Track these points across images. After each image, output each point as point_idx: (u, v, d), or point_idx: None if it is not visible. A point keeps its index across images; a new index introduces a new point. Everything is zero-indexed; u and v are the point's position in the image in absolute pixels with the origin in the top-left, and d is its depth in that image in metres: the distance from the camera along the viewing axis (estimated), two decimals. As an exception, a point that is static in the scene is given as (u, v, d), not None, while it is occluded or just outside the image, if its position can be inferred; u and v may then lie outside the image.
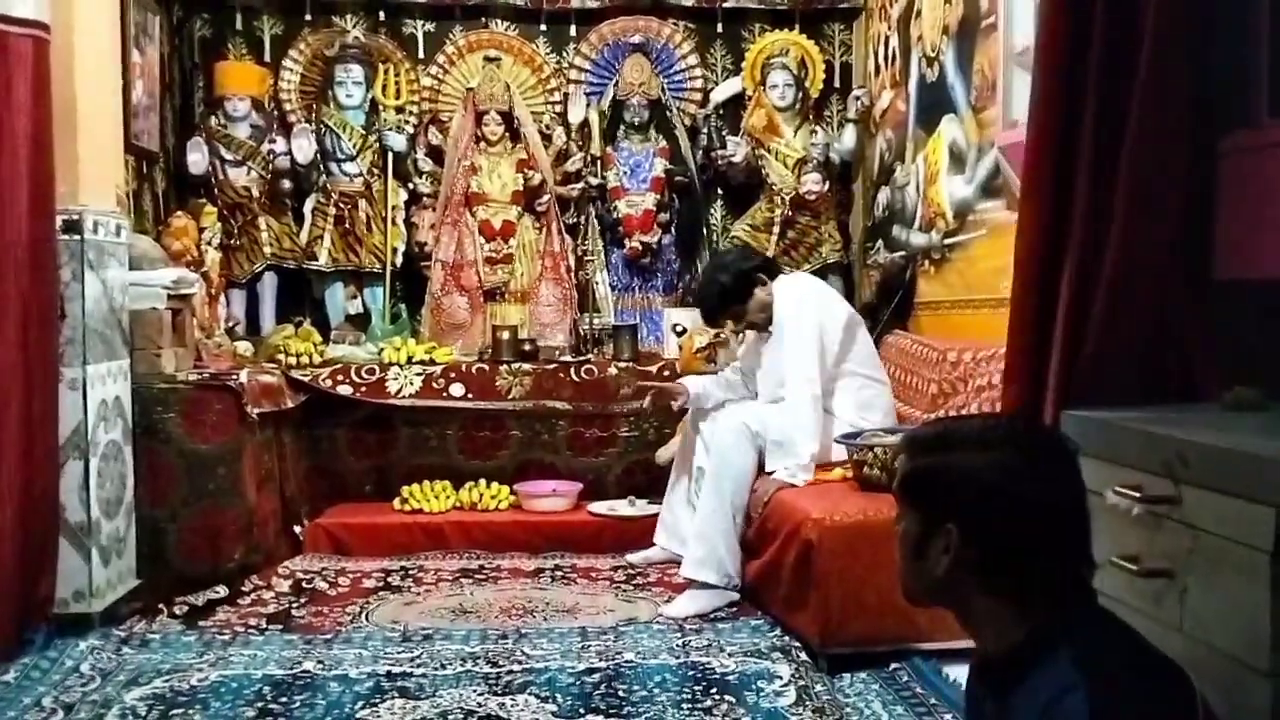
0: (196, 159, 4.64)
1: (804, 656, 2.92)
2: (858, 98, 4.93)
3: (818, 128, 5.04)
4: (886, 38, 4.72)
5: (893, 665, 2.81)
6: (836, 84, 5.23)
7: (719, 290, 3.64)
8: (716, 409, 3.71)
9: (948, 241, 3.95)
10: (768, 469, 3.42)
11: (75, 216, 3.23)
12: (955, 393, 3.36)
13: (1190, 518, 1.52)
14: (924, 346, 3.77)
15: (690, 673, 2.81)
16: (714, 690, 2.69)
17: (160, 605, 3.42)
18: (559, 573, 3.84)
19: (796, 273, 3.86)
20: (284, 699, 2.66)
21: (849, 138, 4.99)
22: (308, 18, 5.03)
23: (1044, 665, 1.28)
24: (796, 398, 3.44)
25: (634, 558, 3.94)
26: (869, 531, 2.83)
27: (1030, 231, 2.23)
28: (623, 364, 4.45)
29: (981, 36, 3.66)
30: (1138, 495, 1.61)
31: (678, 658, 2.93)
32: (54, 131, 3.14)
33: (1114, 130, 2.08)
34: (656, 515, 3.96)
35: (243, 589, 3.63)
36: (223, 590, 3.58)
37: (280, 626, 3.28)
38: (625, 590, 3.64)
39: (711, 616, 3.29)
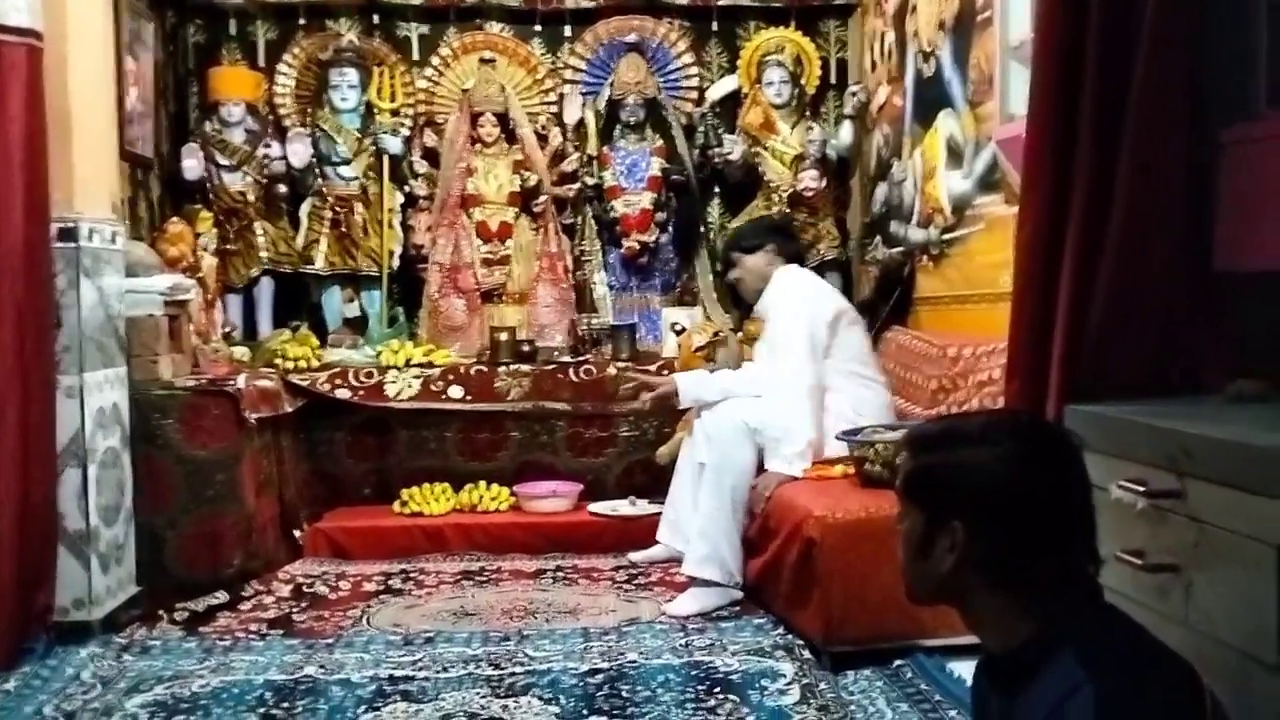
0: (192, 165, 4.62)
1: (807, 654, 2.92)
2: (854, 94, 4.92)
3: (814, 124, 5.03)
4: (882, 33, 4.71)
5: (896, 662, 2.81)
6: (833, 80, 5.22)
7: (736, 235, 3.96)
8: (718, 406, 3.67)
9: (946, 237, 3.94)
10: (767, 465, 3.41)
11: (71, 224, 3.22)
12: (956, 388, 3.35)
13: (1195, 511, 1.51)
14: (924, 342, 3.76)
15: (694, 672, 2.80)
16: (717, 690, 2.69)
17: (160, 612, 3.42)
18: (560, 573, 3.83)
19: (800, 269, 3.86)
20: (286, 704, 2.66)
21: (846, 134, 4.97)
22: (301, 22, 5.01)
23: (1050, 664, 1.27)
24: (788, 388, 3.46)
25: (636, 556, 3.93)
26: (871, 528, 2.82)
27: (1030, 226, 2.22)
28: (622, 364, 4.44)
29: (978, 31, 3.65)
30: (1142, 490, 1.60)
31: (681, 657, 2.92)
32: (49, 139, 3.13)
33: (1113, 123, 2.07)
34: (658, 515, 3.96)
35: (243, 594, 3.62)
36: (223, 596, 3.57)
37: (281, 631, 3.27)
38: (627, 590, 3.63)
39: (714, 615, 3.29)
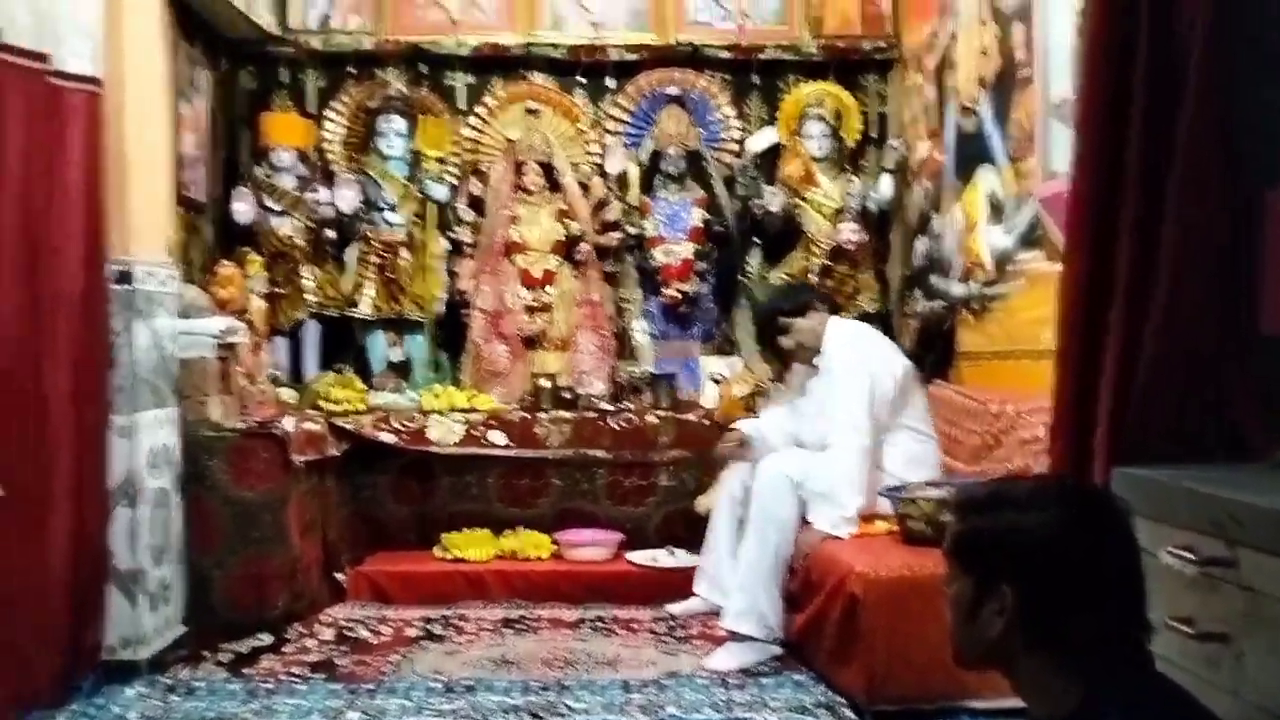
0: (242, 208, 4.71)
1: (849, 714, 2.90)
2: (894, 147, 4.96)
3: (854, 177, 5.07)
4: (922, 88, 4.75)
5: (939, 723, 2.79)
6: (873, 134, 5.26)
7: (774, 304, 3.78)
8: (760, 458, 3.69)
9: (987, 291, 3.95)
10: (810, 520, 3.40)
11: (126, 267, 3.30)
12: (999, 445, 3.34)
13: (1247, 580, 1.51)
14: (966, 398, 3.75)
15: (734, 728, 2.80)
16: (758, 745, 2.68)
17: (205, 652, 3.45)
18: (600, 624, 3.83)
19: (849, 320, 3.84)
20: (329, 749, 2.67)
21: (886, 187, 5.01)
22: (351, 70, 5.12)
23: None
24: (843, 447, 3.40)
25: (674, 608, 3.92)
26: (915, 586, 2.80)
27: (1074, 286, 2.23)
28: (661, 412, 4.46)
29: (1018, 88, 3.68)
30: (1192, 557, 1.60)
31: (721, 713, 2.91)
32: (106, 183, 3.21)
33: (1157, 184, 2.08)
34: (695, 566, 3.94)
35: (286, 636, 3.64)
36: (267, 638, 3.60)
37: (324, 675, 3.29)
38: (666, 642, 3.62)
39: (754, 671, 3.27)
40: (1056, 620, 1.33)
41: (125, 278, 3.30)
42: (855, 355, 3.53)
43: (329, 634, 3.71)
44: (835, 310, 3.88)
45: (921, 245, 4.73)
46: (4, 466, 2.42)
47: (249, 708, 2.98)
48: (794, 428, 3.77)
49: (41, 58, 2.95)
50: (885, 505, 3.33)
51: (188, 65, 4.39)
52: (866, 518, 3.39)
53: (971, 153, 4.11)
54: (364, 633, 3.72)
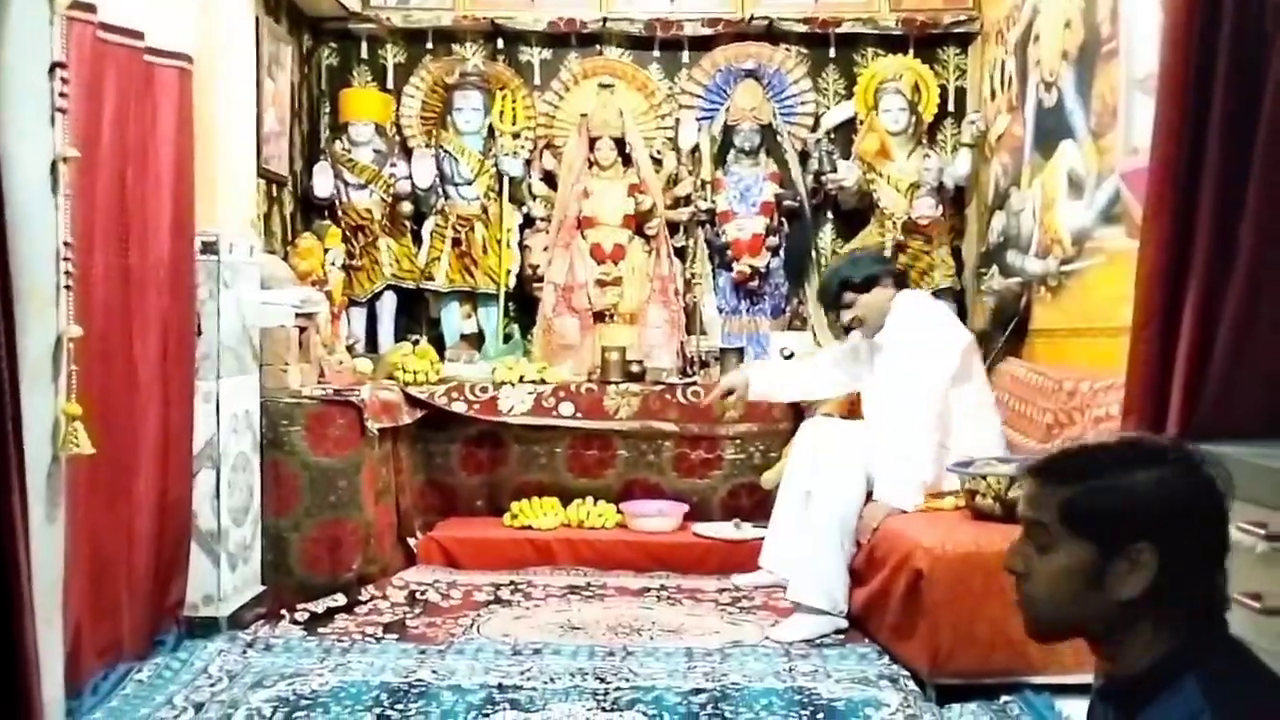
0: (322, 182, 4.82)
1: (912, 685, 2.91)
2: (972, 122, 4.89)
3: (931, 152, 5.00)
4: (1003, 62, 4.67)
5: (1004, 698, 2.78)
6: (950, 108, 5.18)
7: (841, 274, 3.71)
8: (826, 432, 3.69)
9: (1064, 268, 3.88)
10: (876, 495, 3.40)
11: (212, 238, 3.39)
12: (1071, 423, 3.30)
13: (1318, 556, 1.49)
14: (1039, 375, 3.71)
15: (796, 697, 2.82)
16: (820, 716, 2.71)
17: (282, 611, 3.57)
18: (665, 592, 3.88)
19: (920, 292, 3.82)
20: (400, 706, 2.76)
21: (963, 162, 4.93)
22: (429, 46, 5.19)
23: (1173, 689, 1.27)
24: (911, 421, 3.41)
25: (740, 580, 3.95)
26: (981, 562, 2.79)
27: (1152, 261, 2.20)
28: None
29: (1102, 62, 3.60)
30: (1263, 532, 1.58)
31: (784, 682, 2.94)
32: (194, 157, 3.29)
33: (1240, 158, 2.05)
34: (761, 540, 3.97)
35: (360, 598, 3.75)
36: (341, 599, 3.71)
37: (396, 636, 3.39)
38: (731, 612, 3.66)
39: (818, 642, 3.29)
40: (1184, 575, 1.31)
41: (211, 248, 3.39)
42: (920, 330, 3.53)
43: (400, 596, 3.81)
44: (904, 284, 3.83)
45: (998, 221, 4.66)
46: (96, 428, 2.51)
47: (324, 664, 3.08)
48: (831, 376, 3.89)
49: (138, 35, 3.03)
50: (953, 482, 3.32)
51: (272, 42, 4.48)
52: (934, 494, 3.38)
53: (1052, 127, 4.03)
54: (434, 596, 3.82)
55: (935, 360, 3.45)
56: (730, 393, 3.92)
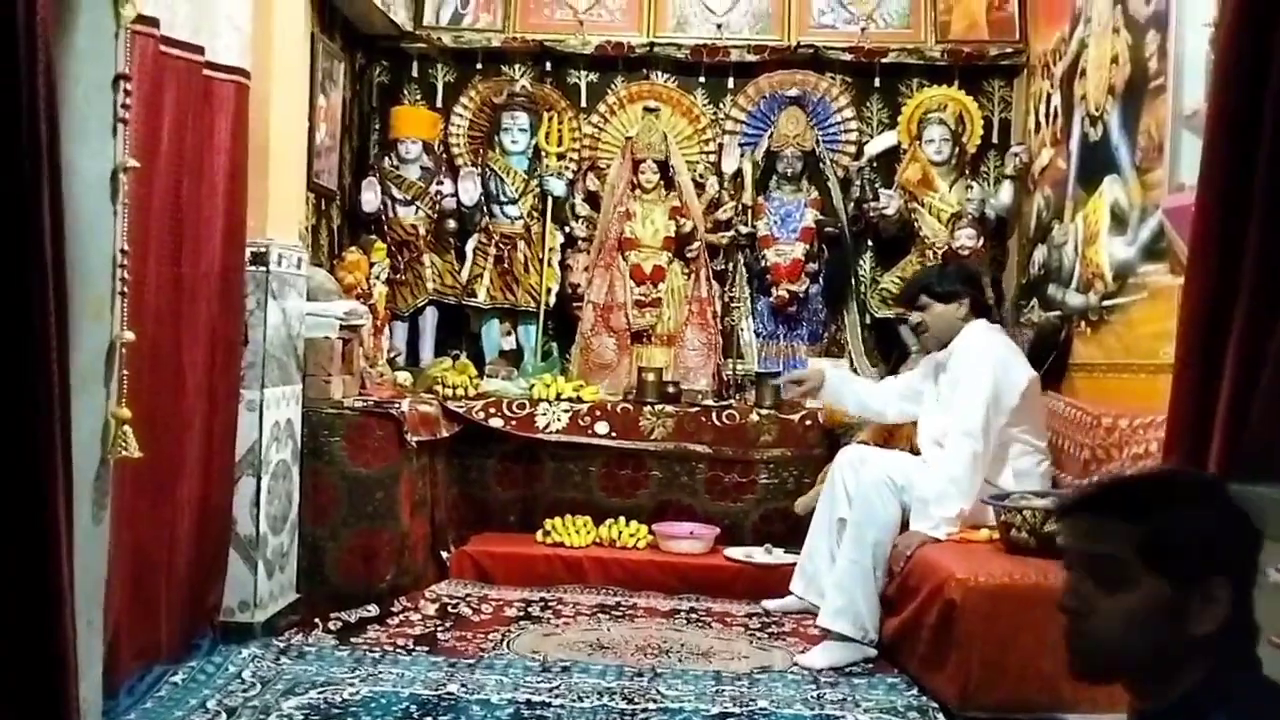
0: (369, 197, 4.89)
1: (941, 718, 2.89)
2: (1016, 154, 4.88)
3: (974, 183, 5.00)
4: (1048, 95, 4.67)
5: (1033, 734, 2.76)
6: (994, 140, 5.18)
7: (927, 279, 3.79)
8: (861, 459, 3.68)
9: (1106, 303, 3.86)
10: (912, 525, 3.40)
11: (262, 249, 3.45)
12: (1109, 459, 3.27)
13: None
14: (1077, 410, 3.68)
15: (824, 725, 2.81)
16: (848, 744, 2.69)
17: (316, 619, 3.61)
18: (694, 615, 3.88)
19: (995, 326, 3.82)
20: (429, 718, 2.78)
21: (1006, 194, 4.93)
22: (479, 67, 5.26)
23: None
24: (956, 448, 3.40)
25: (770, 605, 3.94)
26: (1015, 595, 2.78)
27: (1196, 298, 2.18)
28: (764, 411, 4.48)
29: (1149, 97, 3.59)
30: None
31: (812, 709, 2.93)
32: (247, 170, 3.36)
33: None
34: (792, 565, 3.95)
35: (392, 609, 3.78)
36: (374, 609, 3.74)
37: (427, 648, 3.41)
38: (760, 637, 3.65)
39: (847, 670, 3.28)
40: (1250, 609, 1.31)
41: (260, 259, 3.45)
42: (985, 362, 3.50)
43: (432, 609, 3.84)
44: (985, 314, 3.81)
45: (1040, 254, 4.64)
46: (143, 433, 2.56)
47: (356, 674, 3.11)
48: (898, 406, 3.89)
49: (198, 50, 3.11)
50: (988, 514, 3.30)
51: (326, 59, 4.56)
52: (971, 526, 3.37)
53: (1096, 162, 4.02)
54: (465, 610, 3.84)
55: (993, 395, 3.43)
56: (801, 383, 3.93)
